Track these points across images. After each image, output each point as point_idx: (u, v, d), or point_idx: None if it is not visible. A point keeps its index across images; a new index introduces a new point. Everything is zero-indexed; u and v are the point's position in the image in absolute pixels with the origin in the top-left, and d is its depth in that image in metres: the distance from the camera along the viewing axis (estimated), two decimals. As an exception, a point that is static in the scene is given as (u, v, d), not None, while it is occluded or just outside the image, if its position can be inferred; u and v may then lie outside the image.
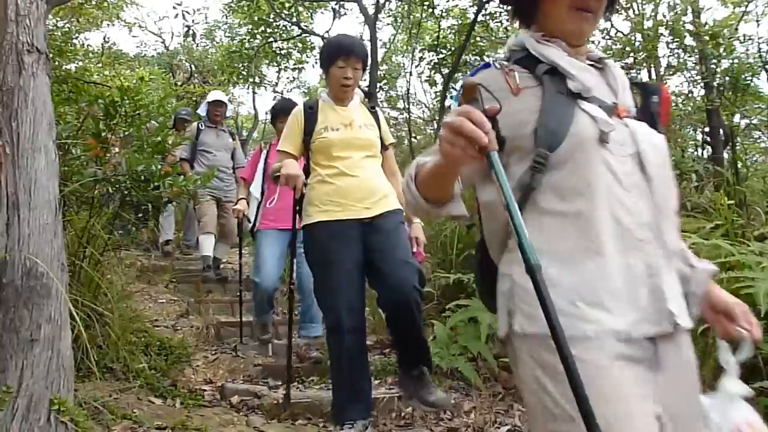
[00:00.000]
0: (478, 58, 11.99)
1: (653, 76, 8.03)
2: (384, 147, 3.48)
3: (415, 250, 3.41)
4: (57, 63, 6.45)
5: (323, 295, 3.25)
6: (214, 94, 7.23)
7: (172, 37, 18.53)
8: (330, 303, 3.17)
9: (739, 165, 6.88)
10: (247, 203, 5.20)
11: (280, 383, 4.24)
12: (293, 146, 3.33)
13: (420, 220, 3.54)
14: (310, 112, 3.33)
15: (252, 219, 4.89)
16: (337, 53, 3.32)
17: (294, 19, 11.48)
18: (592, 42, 8.57)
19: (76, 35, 11.89)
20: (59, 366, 2.68)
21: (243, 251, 6.11)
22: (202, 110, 7.04)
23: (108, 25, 14.25)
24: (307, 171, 3.32)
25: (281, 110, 4.98)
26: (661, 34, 7.11)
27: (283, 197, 4.36)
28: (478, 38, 11.39)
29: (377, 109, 3.65)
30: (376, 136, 3.40)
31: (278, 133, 4.81)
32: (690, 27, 7.09)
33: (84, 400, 3.02)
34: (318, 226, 3.18)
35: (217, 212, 6.88)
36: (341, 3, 11.53)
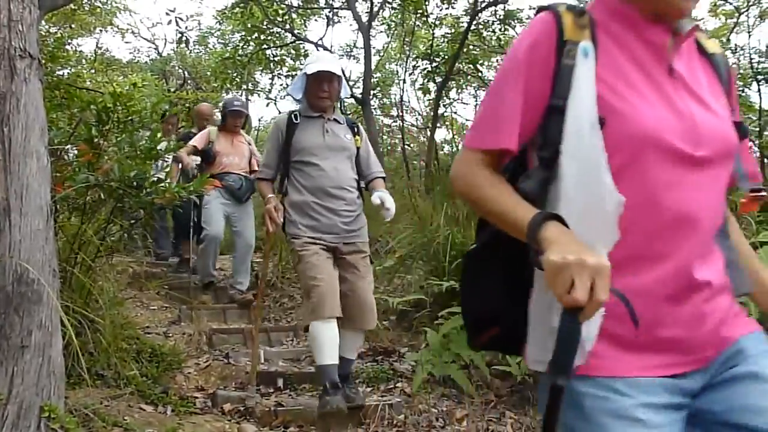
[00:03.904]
0: (471, 66, 12.06)
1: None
2: None
3: None
4: (49, 69, 6.43)
5: None
6: (318, 62, 3.83)
7: (165, 44, 18.58)
8: None
9: (731, 174, 6.92)
10: None
11: (272, 390, 4.23)
12: None
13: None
14: None
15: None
16: None
17: (287, 26, 11.49)
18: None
19: (69, 41, 11.88)
20: (50, 373, 2.66)
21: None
22: (295, 90, 3.89)
23: (101, 31, 14.25)
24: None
25: None
26: (654, 43, 7.16)
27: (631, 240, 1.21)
28: (471, 47, 11.45)
29: None
30: None
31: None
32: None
33: (74, 407, 3.00)
34: None
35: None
36: (335, 11, 11.57)
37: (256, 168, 6.02)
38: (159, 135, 4.21)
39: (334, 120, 3.90)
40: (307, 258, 3.61)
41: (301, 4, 11.66)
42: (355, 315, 3.71)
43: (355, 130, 3.98)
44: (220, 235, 6.13)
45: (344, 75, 3.90)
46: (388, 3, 11.38)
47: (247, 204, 6.22)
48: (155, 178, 3.93)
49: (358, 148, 3.91)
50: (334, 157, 3.77)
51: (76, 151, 3.96)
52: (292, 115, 3.85)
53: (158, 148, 4.02)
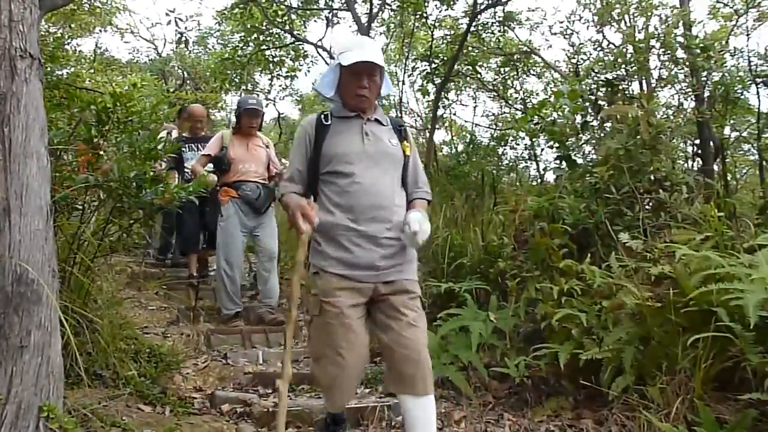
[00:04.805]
0: (470, 68, 12.09)
1: (644, 88, 8.09)
2: None
3: None
4: (49, 69, 6.42)
5: None
6: (357, 50, 2.84)
7: (164, 44, 18.57)
8: None
9: (729, 177, 6.94)
10: None
11: (270, 391, 4.23)
12: None
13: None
14: None
15: None
16: None
17: (287, 27, 11.51)
18: (584, 53, 8.69)
19: (69, 41, 11.89)
20: (49, 373, 2.66)
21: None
22: (325, 86, 2.96)
23: (100, 31, 14.27)
24: None
25: None
26: (653, 46, 7.16)
27: None
28: (470, 48, 11.48)
29: None
30: None
31: None
32: (681, 40, 7.15)
33: (73, 407, 3.00)
34: None
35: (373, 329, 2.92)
36: (334, 12, 11.58)
37: (275, 173, 5.64)
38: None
39: (376, 120, 2.99)
40: (329, 318, 2.77)
41: (300, 5, 11.68)
42: (405, 376, 2.73)
43: (403, 133, 3.05)
44: (240, 260, 5.67)
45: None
46: (388, 4, 11.39)
47: (268, 214, 5.69)
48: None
49: (406, 157, 2.99)
50: (375, 168, 2.85)
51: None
52: (322, 116, 2.96)
53: (158, 148, 4.02)
